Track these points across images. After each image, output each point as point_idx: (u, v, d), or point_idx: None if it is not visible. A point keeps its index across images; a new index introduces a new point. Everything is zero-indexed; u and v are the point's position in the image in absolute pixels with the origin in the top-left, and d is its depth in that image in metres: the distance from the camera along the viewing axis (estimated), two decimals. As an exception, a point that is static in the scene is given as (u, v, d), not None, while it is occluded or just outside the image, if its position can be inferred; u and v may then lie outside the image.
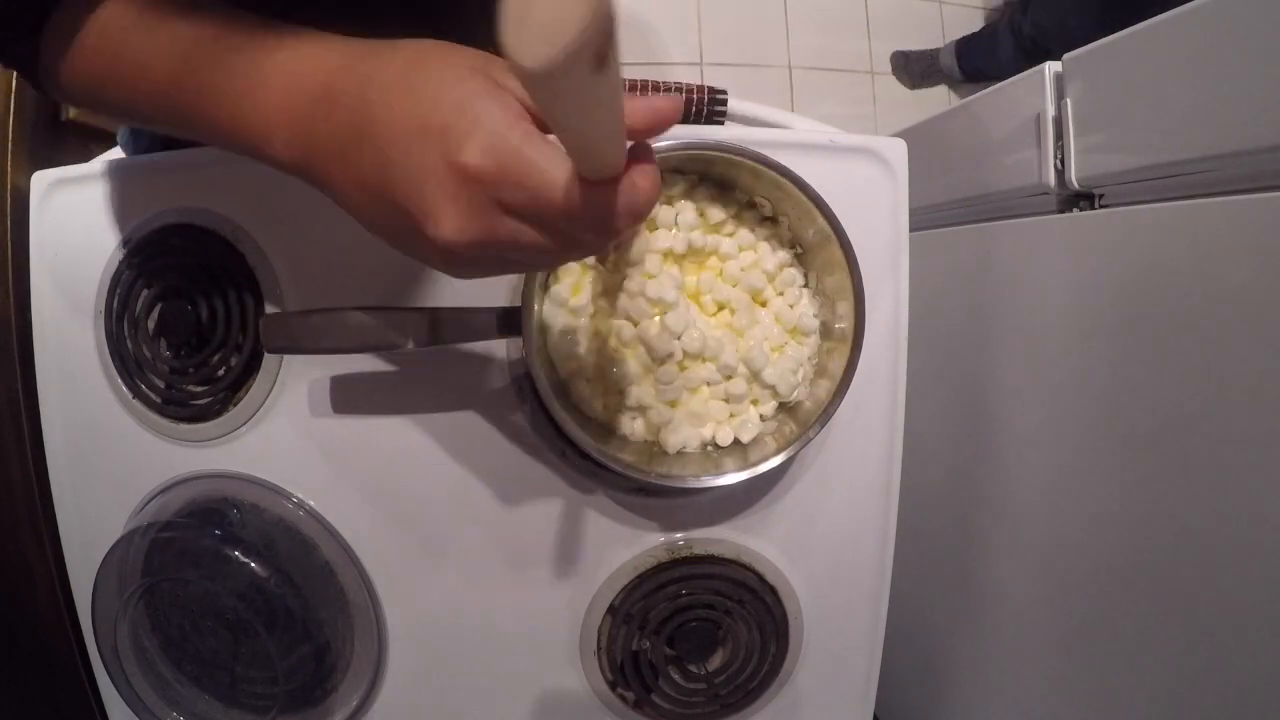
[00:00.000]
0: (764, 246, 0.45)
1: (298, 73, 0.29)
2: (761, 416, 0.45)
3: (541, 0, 0.16)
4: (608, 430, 0.45)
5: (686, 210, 0.44)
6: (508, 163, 0.25)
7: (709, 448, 0.45)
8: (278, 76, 0.30)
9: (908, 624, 0.77)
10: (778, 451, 0.42)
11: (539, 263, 0.30)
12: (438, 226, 0.26)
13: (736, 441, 0.45)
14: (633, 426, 0.44)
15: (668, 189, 0.44)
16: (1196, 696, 0.48)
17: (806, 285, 0.46)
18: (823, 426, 0.42)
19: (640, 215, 0.26)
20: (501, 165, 0.25)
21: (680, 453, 0.44)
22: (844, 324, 0.43)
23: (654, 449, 0.44)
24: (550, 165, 0.24)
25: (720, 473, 0.42)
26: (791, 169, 0.41)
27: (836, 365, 0.43)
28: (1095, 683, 0.56)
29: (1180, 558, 0.49)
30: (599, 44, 0.17)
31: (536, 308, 0.42)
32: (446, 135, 0.25)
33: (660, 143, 0.38)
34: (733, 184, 0.45)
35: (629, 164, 0.25)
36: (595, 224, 0.25)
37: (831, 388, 0.42)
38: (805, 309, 0.46)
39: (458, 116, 0.25)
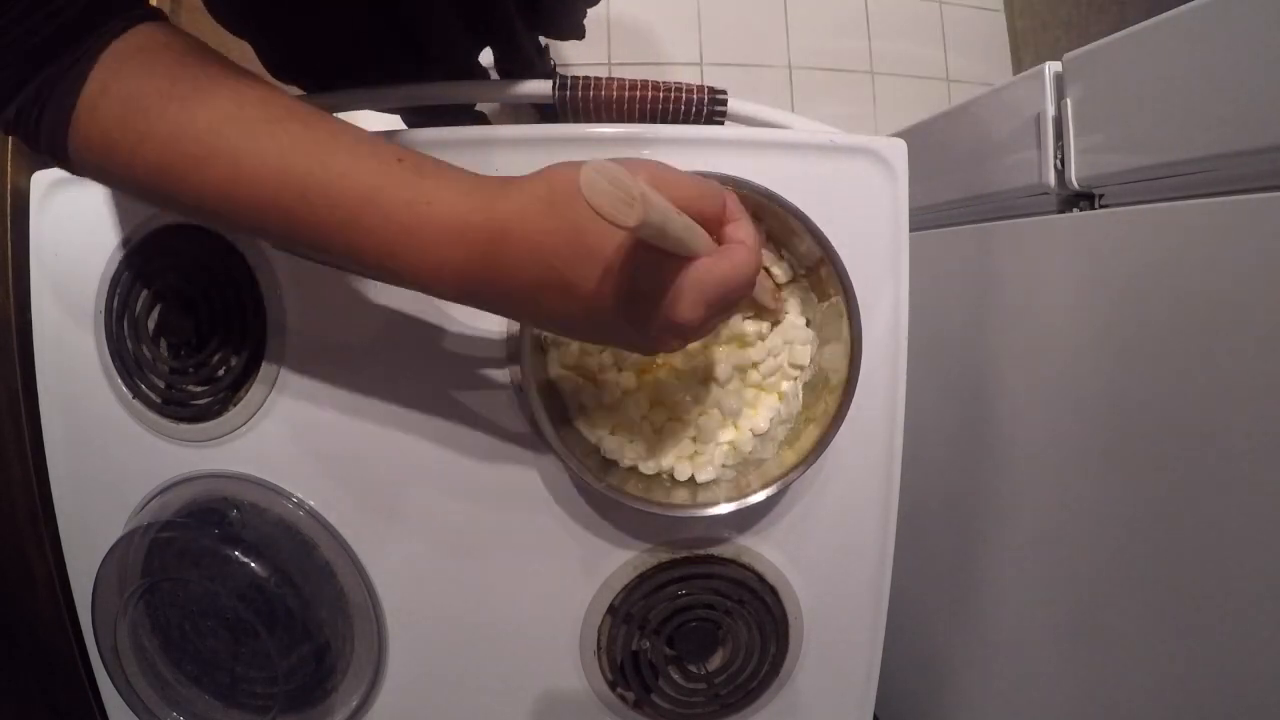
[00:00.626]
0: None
1: (454, 233, 0.30)
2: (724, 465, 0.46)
3: (606, 182, 0.23)
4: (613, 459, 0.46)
5: None
6: (715, 296, 0.30)
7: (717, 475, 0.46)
8: (437, 233, 0.30)
9: (908, 624, 0.77)
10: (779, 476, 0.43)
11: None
12: (668, 346, 0.32)
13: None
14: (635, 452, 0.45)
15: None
16: (1196, 696, 0.48)
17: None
18: (821, 453, 0.43)
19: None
20: (710, 304, 0.30)
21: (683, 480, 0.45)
22: (839, 366, 0.44)
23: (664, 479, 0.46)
24: (734, 269, 0.30)
25: (742, 496, 0.43)
26: (776, 191, 0.41)
27: (836, 382, 0.43)
28: (1096, 683, 0.56)
29: (1182, 559, 0.49)
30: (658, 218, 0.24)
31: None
32: (656, 305, 0.29)
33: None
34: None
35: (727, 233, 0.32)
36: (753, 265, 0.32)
37: (834, 403, 0.43)
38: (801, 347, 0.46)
39: (655, 287, 0.29)
